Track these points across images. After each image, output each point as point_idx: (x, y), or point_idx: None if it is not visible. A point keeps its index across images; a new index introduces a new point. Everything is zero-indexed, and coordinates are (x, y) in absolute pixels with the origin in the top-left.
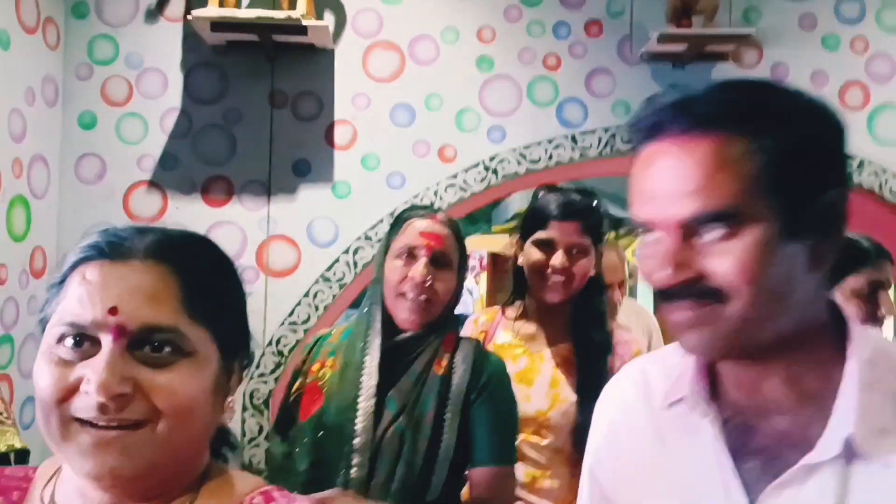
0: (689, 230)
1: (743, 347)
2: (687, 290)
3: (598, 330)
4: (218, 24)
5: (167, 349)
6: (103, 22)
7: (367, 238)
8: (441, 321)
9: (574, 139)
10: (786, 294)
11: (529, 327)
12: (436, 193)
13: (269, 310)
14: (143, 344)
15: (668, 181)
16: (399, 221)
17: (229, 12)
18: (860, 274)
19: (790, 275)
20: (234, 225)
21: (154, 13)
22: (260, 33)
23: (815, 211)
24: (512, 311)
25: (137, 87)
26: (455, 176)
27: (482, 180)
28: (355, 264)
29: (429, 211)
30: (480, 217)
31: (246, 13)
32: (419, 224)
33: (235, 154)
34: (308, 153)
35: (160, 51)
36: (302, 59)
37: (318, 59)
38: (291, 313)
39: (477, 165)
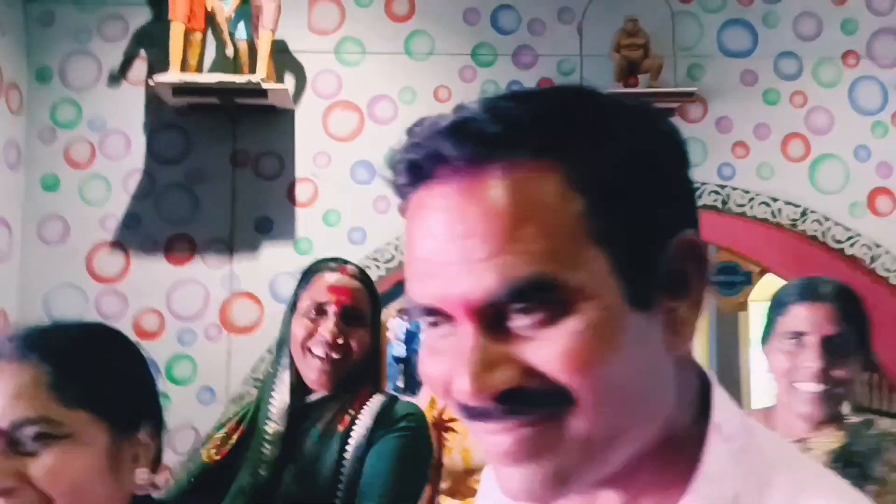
0: (493, 314)
1: (596, 475)
2: (503, 405)
3: None
4: (179, 89)
5: (40, 438)
6: (66, 86)
7: None
8: (355, 380)
9: None
10: (646, 387)
11: None
12: (396, 248)
13: (231, 366)
14: (20, 438)
15: (448, 244)
16: (306, 276)
17: (191, 77)
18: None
19: (647, 360)
20: (196, 283)
21: (117, 77)
22: (221, 97)
23: (662, 263)
24: None
25: (100, 150)
26: None
27: None
28: None
29: (338, 263)
30: None
31: (207, 78)
32: (328, 278)
33: (198, 213)
34: (270, 211)
35: (123, 113)
36: (263, 119)
37: (279, 120)
38: (254, 369)
39: None
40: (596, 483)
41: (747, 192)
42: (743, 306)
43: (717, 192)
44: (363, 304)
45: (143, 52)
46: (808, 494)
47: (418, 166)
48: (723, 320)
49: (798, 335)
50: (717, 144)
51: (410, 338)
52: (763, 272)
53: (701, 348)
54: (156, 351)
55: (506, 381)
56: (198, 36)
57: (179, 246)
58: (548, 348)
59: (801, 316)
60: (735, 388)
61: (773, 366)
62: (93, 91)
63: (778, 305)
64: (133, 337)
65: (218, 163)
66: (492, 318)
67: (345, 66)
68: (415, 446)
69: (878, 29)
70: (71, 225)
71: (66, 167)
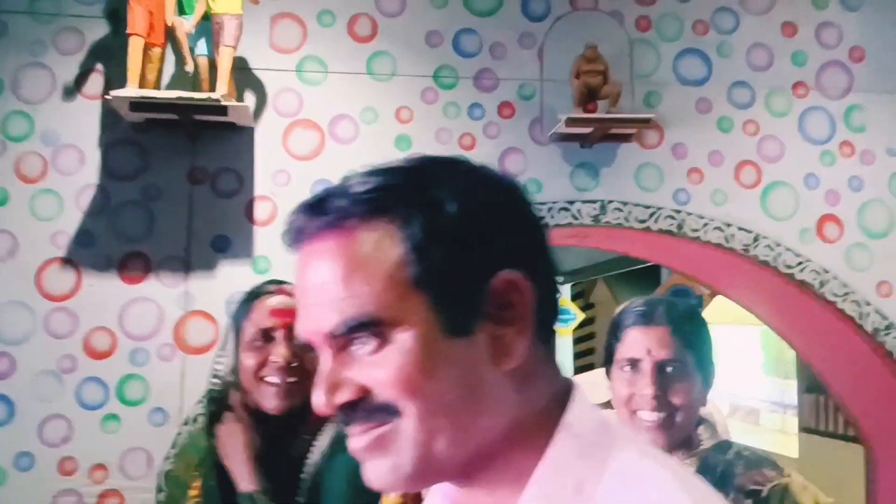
0: (340, 344)
1: (437, 470)
2: (354, 412)
3: None
4: (137, 104)
5: None
6: (19, 98)
7: None
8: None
9: None
10: (468, 399)
11: None
12: None
13: (185, 387)
14: None
15: (310, 291)
16: (245, 304)
17: (148, 93)
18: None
19: (468, 377)
20: (150, 301)
21: (72, 91)
22: (180, 113)
23: (482, 298)
24: None
25: (53, 164)
26: None
27: None
28: None
29: (275, 284)
30: None
31: (166, 94)
32: (269, 302)
33: (153, 230)
34: (228, 229)
35: (77, 128)
36: (222, 136)
37: (238, 137)
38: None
39: None
40: (459, 475)
41: (702, 217)
42: None
43: (672, 217)
44: None
45: (99, 66)
46: (637, 471)
47: (296, 231)
48: None
49: (634, 361)
50: (673, 170)
51: None
52: (714, 294)
53: None
54: (106, 371)
55: (344, 397)
56: (157, 51)
57: (134, 264)
58: (376, 371)
59: (635, 341)
60: None
61: (613, 394)
62: (46, 104)
63: (615, 330)
64: (82, 357)
65: (175, 180)
66: (340, 347)
67: (306, 84)
68: None
69: (827, 61)
70: (20, 241)
71: (16, 181)
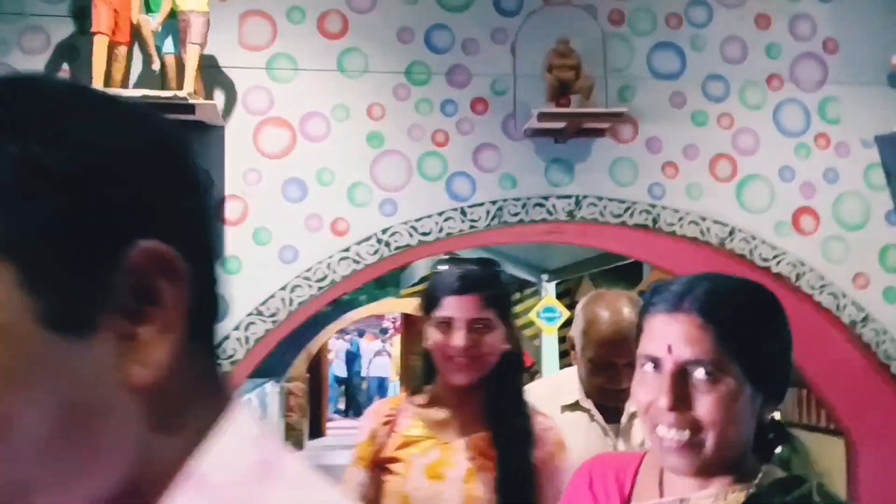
0: None
1: None
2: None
3: (516, 416)
4: None
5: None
6: None
7: (259, 313)
8: None
9: (463, 212)
10: (73, 431)
11: (439, 414)
12: (329, 266)
13: None
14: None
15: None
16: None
17: (114, 92)
18: None
19: (76, 395)
20: None
21: None
22: None
23: (110, 278)
24: (420, 398)
25: None
26: (348, 249)
27: (375, 252)
28: (247, 339)
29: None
30: (389, 281)
31: (131, 93)
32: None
33: None
34: None
35: None
36: (191, 135)
37: (208, 136)
38: None
39: (369, 238)
40: None
41: (677, 211)
42: None
43: (647, 212)
44: None
45: (65, 66)
46: None
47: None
48: None
49: (655, 360)
50: (648, 164)
51: (351, 359)
52: None
53: None
54: None
55: None
56: (123, 50)
57: None
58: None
59: (656, 333)
60: None
61: (633, 400)
62: None
63: (638, 316)
64: None
65: None
66: None
67: (276, 82)
68: None
69: (801, 53)
70: None
71: None
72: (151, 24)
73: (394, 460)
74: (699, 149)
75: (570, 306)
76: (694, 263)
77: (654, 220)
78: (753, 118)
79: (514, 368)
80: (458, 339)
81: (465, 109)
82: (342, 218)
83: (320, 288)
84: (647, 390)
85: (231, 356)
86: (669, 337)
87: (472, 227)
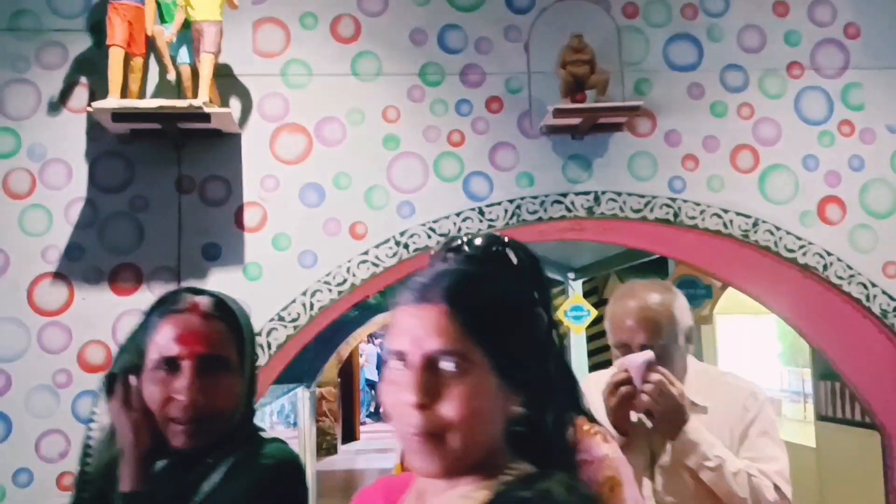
0: None
1: None
2: None
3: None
4: (119, 115)
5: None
6: (4, 115)
7: (281, 319)
8: (228, 438)
9: (481, 211)
10: None
11: None
12: (348, 270)
13: None
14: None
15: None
16: (150, 319)
17: (130, 103)
18: None
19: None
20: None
21: (56, 105)
22: (163, 122)
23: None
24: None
25: (41, 179)
26: (367, 252)
27: (394, 255)
28: (269, 345)
29: (186, 300)
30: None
31: (147, 103)
32: (175, 324)
33: (143, 241)
34: (218, 237)
35: (64, 142)
36: (208, 144)
37: (224, 144)
38: None
39: (388, 241)
40: None
41: (698, 204)
42: (706, 319)
43: (668, 206)
44: (224, 344)
45: (83, 80)
46: None
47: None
48: None
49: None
50: (667, 158)
51: (382, 362)
52: (726, 285)
53: None
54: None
55: None
56: (138, 61)
57: (125, 275)
58: None
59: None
60: None
61: None
62: (32, 120)
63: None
64: (77, 371)
65: (163, 189)
66: None
67: (291, 88)
68: (274, 478)
69: (821, 40)
70: (11, 257)
71: (4, 198)
72: (166, 34)
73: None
74: (719, 140)
75: (598, 304)
76: (717, 257)
77: (676, 214)
78: (774, 107)
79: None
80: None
81: (480, 109)
82: (360, 221)
83: (340, 292)
84: (394, 388)
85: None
86: (415, 329)
87: (490, 226)
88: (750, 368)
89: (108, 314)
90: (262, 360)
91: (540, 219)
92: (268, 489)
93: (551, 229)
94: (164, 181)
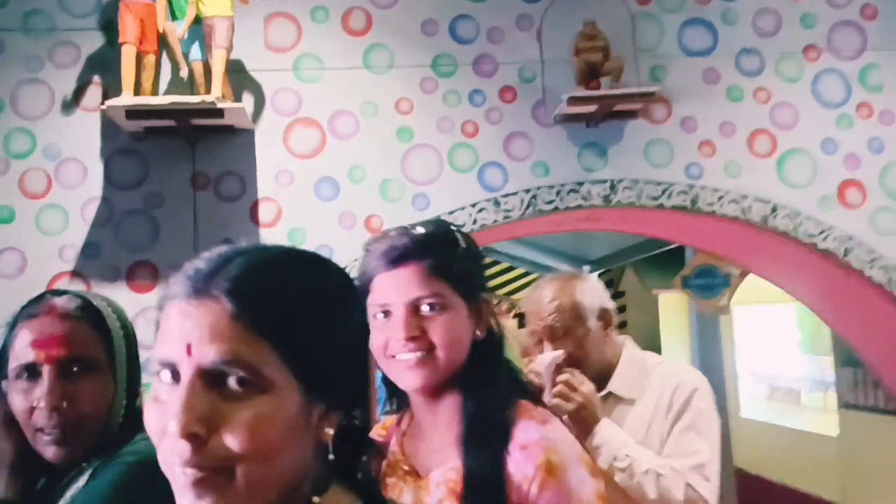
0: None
1: None
2: None
3: (489, 431)
4: (133, 112)
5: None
6: (18, 115)
7: None
8: (102, 440)
9: (496, 202)
10: None
11: (411, 439)
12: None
13: None
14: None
15: None
16: (10, 330)
17: (143, 100)
18: None
19: None
20: None
21: (70, 104)
22: (177, 118)
23: None
24: (406, 416)
25: (56, 178)
26: None
27: None
28: None
29: (42, 302)
30: None
31: (160, 100)
32: (30, 329)
33: (159, 239)
34: (233, 232)
35: (78, 141)
36: (222, 140)
37: (238, 140)
38: None
39: None
40: None
41: (716, 190)
42: (724, 309)
43: (685, 193)
44: (87, 345)
45: (96, 78)
46: None
47: None
48: (703, 323)
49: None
50: (683, 144)
51: None
52: (744, 274)
53: (683, 351)
54: None
55: None
56: (151, 58)
57: (142, 273)
58: None
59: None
60: (720, 391)
61: None
62: (46, 119)
63: None
64: None
65: (178, 186)
66: None
67: (304, 82)
68: (131, 477)
69: (837, 21)
70: (28, 257)
71: (21, 198)
72: (177, 31)
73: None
74: (736, 125)
75: (614, 296)
76: (736, 243)
77: (693, 201)
78: (791, 91)
79: (490, 361)
80: (398, 327)
81: (494, 99)
82: (375, 214)
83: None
84: (159, 410)
85: None
86: (188, 331)
87: (506, 216)
88: (769, 358)
89: (126, 311)
90: None
91: (556, 208)
92: (124, 488)
93: (567, 219)
94: (179, 178)
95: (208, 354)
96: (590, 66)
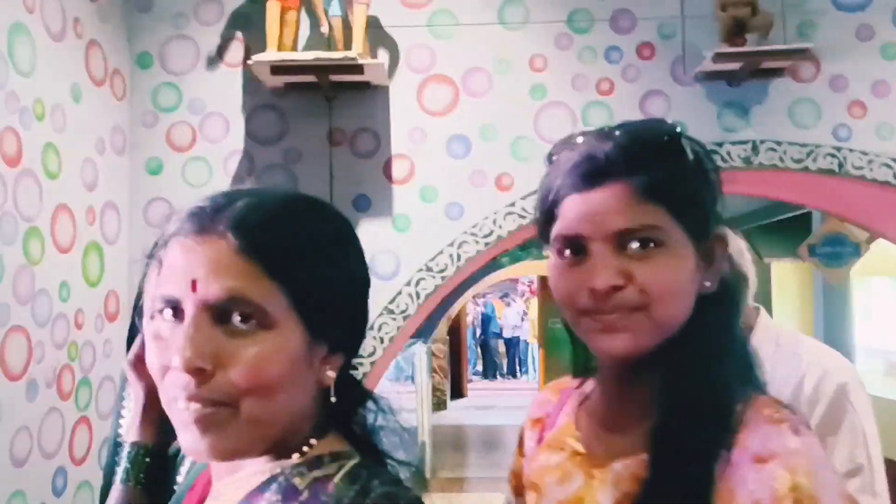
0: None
1: None
2: None
3: (706, 422)
4: (277, 68)
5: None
6: (166, 71)
7: (429, 269)
8: None
9: None
10: None
11: (592, 416)
12: (494, 222)
13: None
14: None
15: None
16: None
17: (288, 55)
18: None
19: None
20: None
21: (214, 60)
22: (318, 74)
23: None
24: (589, 386)
25: (201, 132)
26: (513, 204)
27: None
28: (418, 295)
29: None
30: (532, 242)
31: (304, 55)
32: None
33: None
34: (367, 188)
35: (221, 95)
36: (358, 96)
37: (373, 96)
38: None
39: (534, 193)
40: None
41: (866, 153)
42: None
43: (832, 155)
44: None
45: (238, 35)
46: None
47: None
48: (830, 292)
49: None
50: (832, 104)
51: (487, 321)
52: (871, 241)
53: (796, 325)
54: None
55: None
56: (293, 14)
57: None
58: None
59: None
60: None
61: None
62: (191, 74)
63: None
64: None
65: (315, 142)
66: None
67: (438, 39)
68: None
69: None
70: (175, 207)
71: (168, 150)
72: None
73: (531, 487)
74: (890, 85)
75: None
76: (886, 210)
77: (840, 165)
78: None
79: (720, 325)
80: (594, 273)
81: (631, 56)
82: (506, 173)
83: (487, 244)
84: (161, 347)
85: (404, 310)
86: (192, 268)
87: None
88: (887, 332)
89: None
90: (412, 309)
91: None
92: None
93: None
94: (316, 134)
95: (214, 290)
96: (736, 21)
